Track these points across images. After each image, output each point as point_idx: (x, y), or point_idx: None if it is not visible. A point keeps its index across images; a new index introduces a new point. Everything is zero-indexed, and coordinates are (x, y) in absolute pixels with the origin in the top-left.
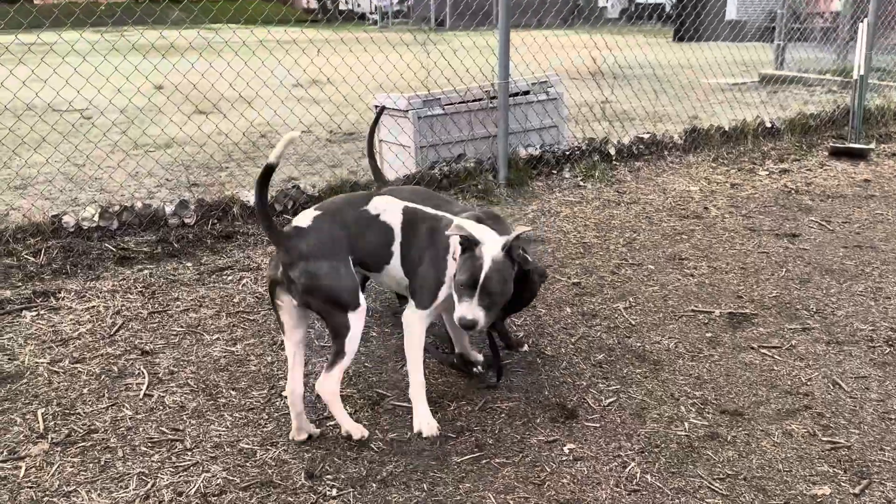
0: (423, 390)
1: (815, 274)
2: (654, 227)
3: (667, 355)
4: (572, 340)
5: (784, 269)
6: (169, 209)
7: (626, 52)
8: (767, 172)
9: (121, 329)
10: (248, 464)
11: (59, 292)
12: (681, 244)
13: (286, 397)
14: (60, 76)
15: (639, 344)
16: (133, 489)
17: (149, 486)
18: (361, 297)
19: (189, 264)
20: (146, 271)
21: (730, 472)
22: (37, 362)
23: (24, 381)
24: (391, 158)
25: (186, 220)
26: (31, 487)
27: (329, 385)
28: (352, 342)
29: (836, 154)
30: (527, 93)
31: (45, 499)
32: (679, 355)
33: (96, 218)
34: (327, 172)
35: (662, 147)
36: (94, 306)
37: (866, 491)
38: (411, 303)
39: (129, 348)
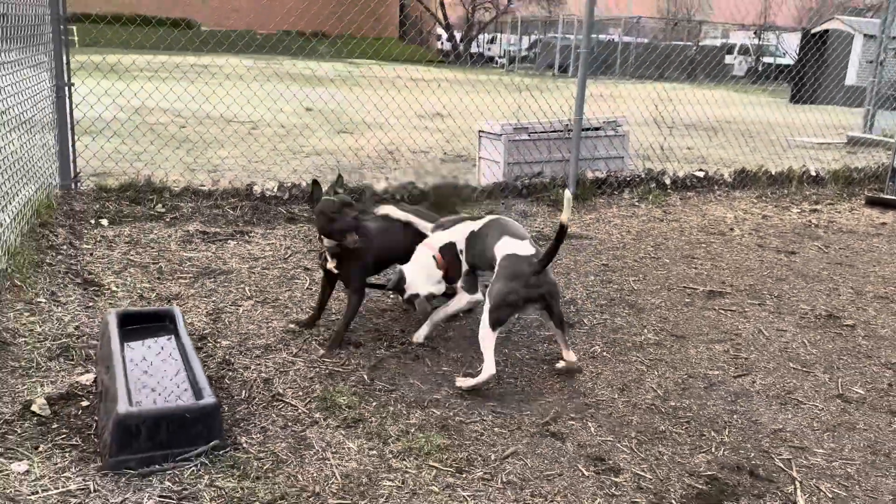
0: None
1: (791, 276)
2: (683, 237)
3: (649, 306)
4: (587, 293)
5: (769, 272)
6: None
7: (734, 108)
8: (799, 211)
9: (290, 255)
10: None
11: (250, 233)
12: (698, 249)
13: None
14: (230, 94)
15: (633, 298)
16: (280, 327)
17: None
18: None
19: None
20: (305, 227)
21: (657, 359)
22: (240, 266)
23: (233, 274)
24: (486, 170)
25: None
26: (239, 321)
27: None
28: None
29: (872, 203)
30: (598, 129)
31: (251, 327)
32: (658, 307)
33: (275, 189)
34: (433, 181)
35: (713, 182)
36: (272, 242)
37: (740, 378)
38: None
39: (295, 265)
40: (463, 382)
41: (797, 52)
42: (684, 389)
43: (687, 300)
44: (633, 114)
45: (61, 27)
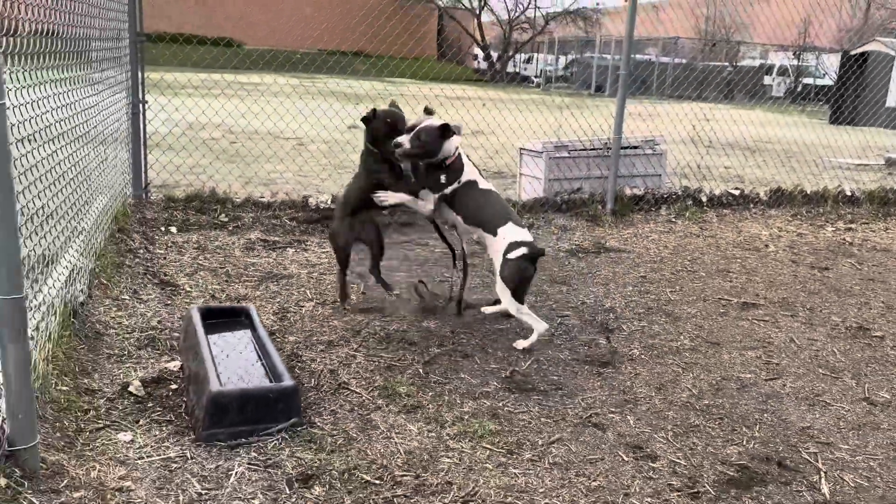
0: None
1: (823, 290)
2: (719, 252)
3: (686, 315)
4: (626, 302)
5: (802, 286)
6: None
7: (772, 128)
8: (834, 229)
9: None
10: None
11: (307, 242)
12: (733, 264)
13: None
14: (277, 112)
15: (669, 308)
16: (341, 329)
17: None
18: None
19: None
20: None
21: (692, 363)
22: (299, 271)
23: (294, 279)
24: (527, 186)
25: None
26: (303, 320)
27: None
28: None
29: None
30: (636, 147)
31: (313, 325)
32: (694, 316)
33: (328, 202)
34: None
35: (749, 201)
36: (326, 251)
37: (771, 381)
38: None
39: (349, 270)
40: (520, 343)
41: (837, 73)
42: (718, 390)
43: (722, 310)
44: (671, 133)
45: (137, 45)
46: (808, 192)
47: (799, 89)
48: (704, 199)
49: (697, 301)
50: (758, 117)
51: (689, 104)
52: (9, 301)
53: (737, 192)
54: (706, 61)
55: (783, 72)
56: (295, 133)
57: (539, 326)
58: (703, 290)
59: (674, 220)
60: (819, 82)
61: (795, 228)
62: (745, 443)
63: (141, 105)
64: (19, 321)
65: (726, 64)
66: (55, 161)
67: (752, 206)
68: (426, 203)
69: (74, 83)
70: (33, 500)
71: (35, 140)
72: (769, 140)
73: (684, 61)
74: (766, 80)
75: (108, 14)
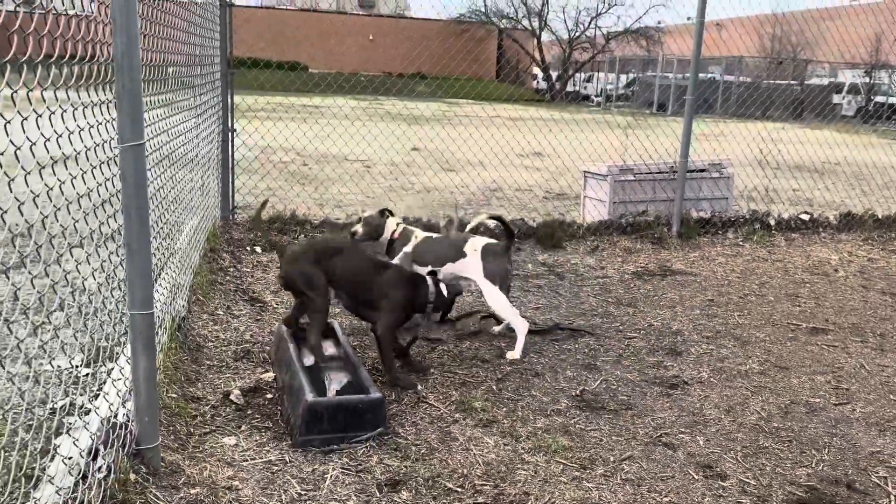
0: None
1: (895, 317)
2: (787, 277)
3: (754, 339)
4: (693, 325)
5: (873, 311)
6: (442, 223)
7: (842, 150)
8: None
9: None
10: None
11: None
12: (802, 289)
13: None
14: (342, 136)
15: (738, 332)
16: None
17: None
18: None
19: None
20: None
21: (761, 386)
22: None
23: None
24: (591, 208)
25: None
26: None
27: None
28: None
29: None
30: (703, 171)
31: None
32: (762, 340)
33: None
34: (539, 217)
35: (818, 225)
36: None
37: (840, 406)
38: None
39: None
40: (512, 354)
41: None
42: (787, 413)
43: (790, 335)
44: (737, 154)
45: (229, 77)
46: (880, 217)
47: (871, 108)
48: (772, 222)
49: (766, 325)
50: (827, 138)
51: (753, 124)
52: (142, 316)
53: (806, 217)
54: (771, 79)
55: (854, 90)
56: (360, 156)
57: (521, 326)
58: (771, 315)
59: (741, 243)
60: (893, 100)
61: (866, 253)
62: (814, 465)
63: (230, 133)
64: (149, 334)
65: (795, 82)
66: (164, 182)
67: (821, 230)
68: None
69: (179, 108)
70: (157, 494)
71: (149, 161)
72: (838, 162)
73: (748, 80)
74: (836, 98)
75: (212, 43)
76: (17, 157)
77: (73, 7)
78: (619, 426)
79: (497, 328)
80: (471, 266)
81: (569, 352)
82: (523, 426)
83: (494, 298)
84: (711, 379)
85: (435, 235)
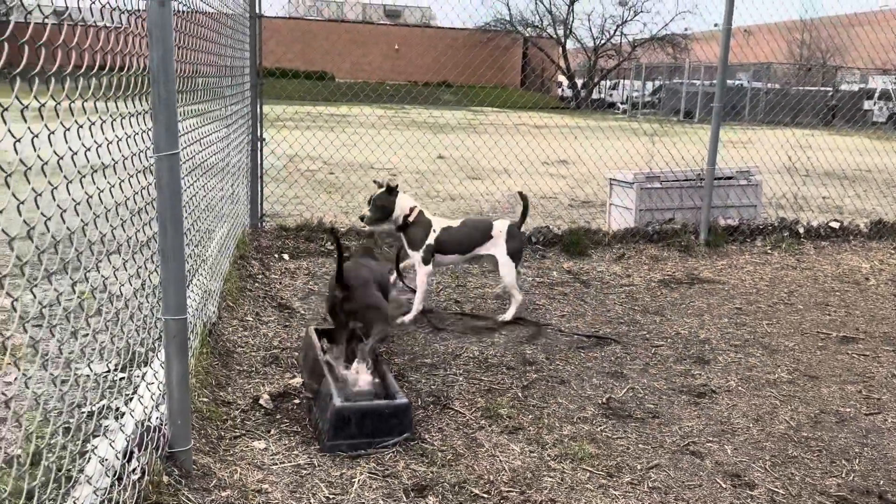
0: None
1: None
2: (817, 285)
3: (783, 348)
4: (721, 333)
5: None
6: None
7: (873, 156)
8: None
9: (441, 289)
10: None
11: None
12: (832, 297)
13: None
14: (368, 145)
15: (766, 340)
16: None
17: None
18: None
19: None
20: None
21: (790, 395)
22: (398, 296)
23: (394, 303)
24: (617, 216)
25: None
26: (406, 342)
27: None
28: None
29: None
30: (730, 178)
31: (416, 348)
32: (791, 349)
33: None
34: (564, 225)
35: (848, 233)
36: None
37: (872, 416)
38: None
39: (447, 297)
40: (504, 317)
41: None
42: (816, 423)
43: (820, 344)
44: (766, 161)
45: (258, 87)
46: None
47: None
48: (802, 230)
49: (795, 334)
50: (857, 144)
51: (782, 130)
52: (176, 321)
53: (836, 225)
54: (800, 86)
55: (885, 96)
56: (386, 164)
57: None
58: (800, 324)
59: (769, 251)
60: None
61: None
62: (844, 475)
63: (259, 142)
64: (182, 339)
65: (826, 89)
66: (196, 190)
67: (851, 238)
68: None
69: (211, 118)
70: (189, 496)
71: (183, 170)
72: (869, 169)
73: (777, 86)
74: (867, 104)
75: (242, 54)
76: (59, 167)
77: (112, 21)
78: (646, 434)
79: (497, 289)
80: (497, 245)
81: (595, 360)
82: (549, 433)
83: (508, 271)
84: (740, 387)
85: (449, 222)
